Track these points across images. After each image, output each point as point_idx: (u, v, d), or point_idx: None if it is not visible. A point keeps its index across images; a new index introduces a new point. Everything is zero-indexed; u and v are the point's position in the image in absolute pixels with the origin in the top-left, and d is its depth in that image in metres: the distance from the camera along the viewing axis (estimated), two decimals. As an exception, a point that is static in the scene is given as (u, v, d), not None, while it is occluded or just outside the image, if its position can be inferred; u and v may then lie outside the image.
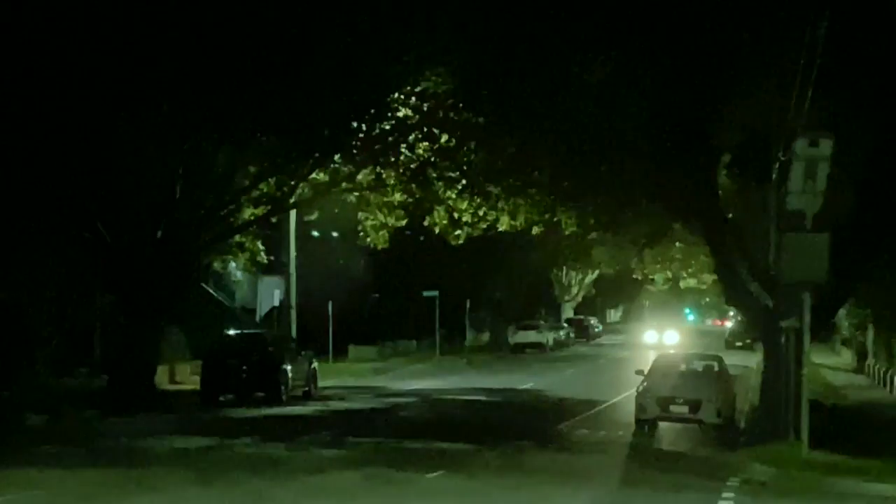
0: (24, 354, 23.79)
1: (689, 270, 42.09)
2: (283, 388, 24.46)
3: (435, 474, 14.62)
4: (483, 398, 27.20)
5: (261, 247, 31.31)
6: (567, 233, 33.34)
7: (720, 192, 23.65)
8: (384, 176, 27.72)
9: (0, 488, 12.58)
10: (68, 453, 15.91)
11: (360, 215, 30.47)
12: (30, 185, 21.38)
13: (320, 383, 27.24)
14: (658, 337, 57.94)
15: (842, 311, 33.73)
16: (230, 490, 12.98)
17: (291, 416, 22.11)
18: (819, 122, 16.15)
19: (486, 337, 53.48)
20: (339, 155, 25.32)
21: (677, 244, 36.31)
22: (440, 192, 28.51)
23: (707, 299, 69.63)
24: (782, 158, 17.52)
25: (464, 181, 27.88)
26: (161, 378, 26.05)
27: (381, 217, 30.11)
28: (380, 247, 32.00)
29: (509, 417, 22.80)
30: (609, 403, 25.67)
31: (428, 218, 30.22)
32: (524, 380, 32.65)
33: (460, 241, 31.93)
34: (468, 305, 46.01)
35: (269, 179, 26.75)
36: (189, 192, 24.29)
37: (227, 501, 12.30)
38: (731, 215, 24.27)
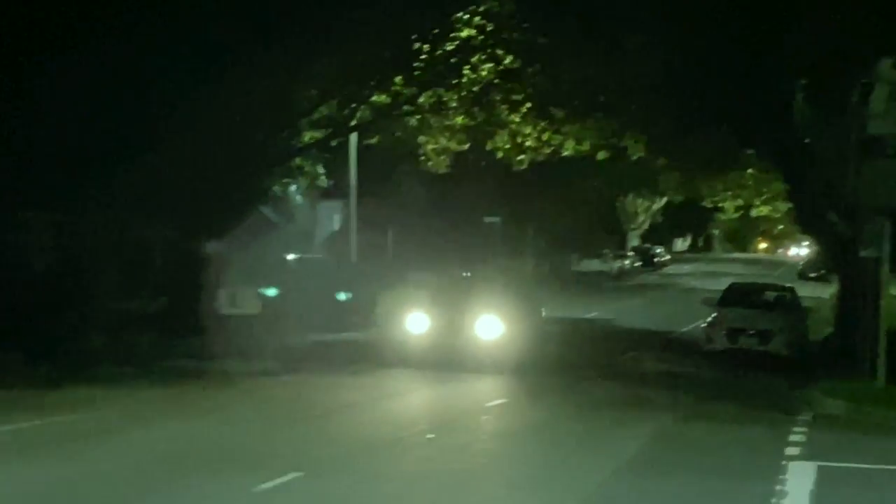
0: (86, 277, 23.90)
1: (762, 198, 40.91)
2: (343, 315, 24.34)
3: (495, 402, 14.35)
4: (547, 327, 26.79)
5: (321, 171, 31.03)
6: (634, 158, 32.53)
7: (796, 116, 22.72)
8: (446, 99, 27.13)
9: (68, 407, 12.65)
10: (130, 375, 15.89)
11: (421, 139, 29.98)
12: (90, 108, 21.17)
13: (382, 310, 27.03)
14: (430, 323, 18.95)
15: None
16: (289, 414, 12.80)
17: (352, 342, 21.98)
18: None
19: (548, 265, 52.93)
20: (400, 77, 24.74)
21: (749, 171, 35.22)
22: (503, 115, 27.86)
23: (780, 227, 67.89)
24: (864, 81, 16.61)
25: (528, 104, 27.19)
26: (222, 302, 26.02)
27: (442, 141, 29.58)
28: (440, 171, 31.52)
29: (571, 347, 22.39)
30: (676, 334, 25.12)
31: (490, 142, 29.63)
32: (587, 309, 32.16)
33: (523, 166, 31.31)
34: (531, 233, 45.48)
35: (330, 102, 26.33)
36: (248, 115, 23.94)
37: (286, 424, 12.12)
38: (807, 140, 23.34)
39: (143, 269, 25.87)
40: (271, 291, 23.82)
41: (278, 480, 9.13)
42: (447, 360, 17.31)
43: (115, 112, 20.50)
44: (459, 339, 17.74)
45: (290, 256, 28.25)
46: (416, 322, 18.27)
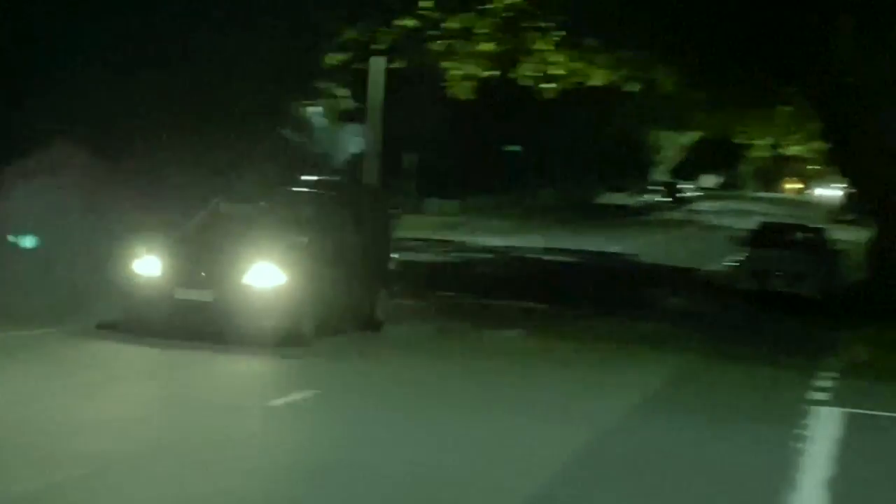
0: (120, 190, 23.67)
1: (795, 136, 39.95)
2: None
3: (511, 332, 14.08)
4: (565, 259, 26.42)
5: (344, 93, 30.52)
6: (665, 91, 31.74)
7: (839, 53, 21.89)
8: (475, 24, 26.43)
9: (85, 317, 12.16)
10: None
11: (446, 64, 29.29)
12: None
13: (397, 234, 26.68)
14: (165, 271, 11.92)
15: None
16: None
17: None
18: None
19: (571, 196, 52.33)
20: (430, 1, 24.07)
21: (780, 108, 34.28)
22: (533, 43, 27.13)
23: (809, 167, 66.69)
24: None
25: (563, 32, 26.45)
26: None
27: (468, 68, 28.87)
28: (463, 98, 30.89)
29: (593, 280, 22.00)
30: (702, 272, 24.58)
31: (515, 69, 28.90)
32: (610, 243, 31.67)
33: (552, 96, 30.62)
34: (554, 162, 44.84)
35: (356, 24, 25.72)
36: (272, 36, 23.45)
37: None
38: (850, 79, 22.54)
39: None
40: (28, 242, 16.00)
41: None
42: (179, 326, 11.36)
43: (132, 24, 20.05)
44: (214, 293, 11.36)
45: (307, 178, 27.81)
46: (146, 269, 11.74)
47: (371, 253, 13.36)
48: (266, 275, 11.47)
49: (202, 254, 11.88)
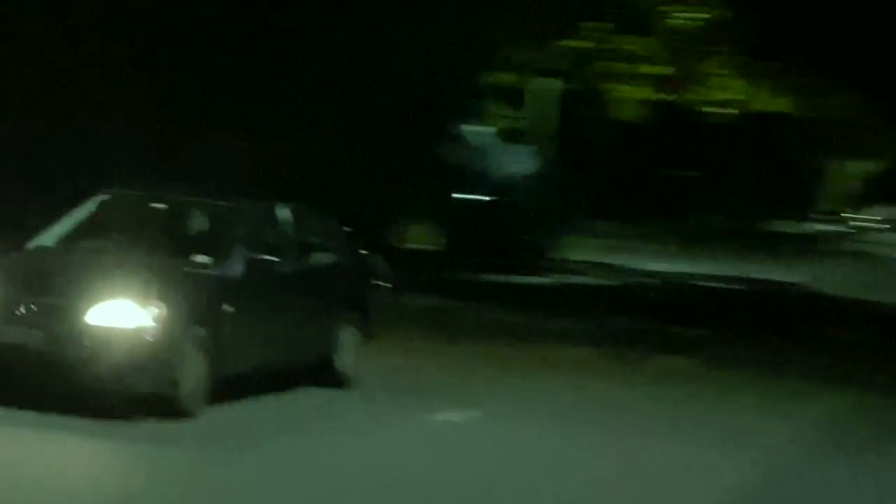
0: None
1: None
2: (525, 257, 24.09)
3: (670, 357, 13.74)
4: (736, 287, 25.65)
5: (511, 113, 30.76)
6: (844, 118, 30.70)
7: None
8: (642, 46, 26.31)
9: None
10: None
11: (613, 86, 29.17)
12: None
13: (562, 256, 26.62)
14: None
15: None
16: (468, 349, 12.71)
17: (530, 285, 21.67)
18: None
19: (739, 222, 50.95)
20: (599, 23, 24.12)
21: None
22: (709, 66, 26.77)
23: None
24: None
25: (745, 58, 26.03)
26: (397, 237, 26.08)
27: (631, 91, 28.68)
28: (628, 119, 30.69)
29: (764, 311, 21.22)
30: (883, 306, 23.29)
31: (688, 92, 28.53)
32: (785, 273, 30.51)
33: (725, 121, 30.07)
34: (722, 187, 43.80)
35: (523, 43, 25.94)
36: (439, 53, 23.79)
37: (464, 359, 12.11)
38: None
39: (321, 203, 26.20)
40: None
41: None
42: None
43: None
44: (44, 334, 7.74)
45: (474, 196, 27.98)
46: None
47: (329, 283, 9.56)
48: (120, 313, 7.70)
49: (40, 278, 8.14)
